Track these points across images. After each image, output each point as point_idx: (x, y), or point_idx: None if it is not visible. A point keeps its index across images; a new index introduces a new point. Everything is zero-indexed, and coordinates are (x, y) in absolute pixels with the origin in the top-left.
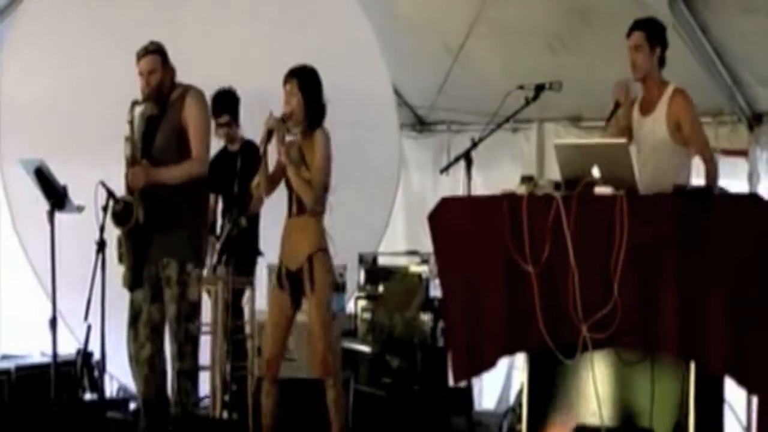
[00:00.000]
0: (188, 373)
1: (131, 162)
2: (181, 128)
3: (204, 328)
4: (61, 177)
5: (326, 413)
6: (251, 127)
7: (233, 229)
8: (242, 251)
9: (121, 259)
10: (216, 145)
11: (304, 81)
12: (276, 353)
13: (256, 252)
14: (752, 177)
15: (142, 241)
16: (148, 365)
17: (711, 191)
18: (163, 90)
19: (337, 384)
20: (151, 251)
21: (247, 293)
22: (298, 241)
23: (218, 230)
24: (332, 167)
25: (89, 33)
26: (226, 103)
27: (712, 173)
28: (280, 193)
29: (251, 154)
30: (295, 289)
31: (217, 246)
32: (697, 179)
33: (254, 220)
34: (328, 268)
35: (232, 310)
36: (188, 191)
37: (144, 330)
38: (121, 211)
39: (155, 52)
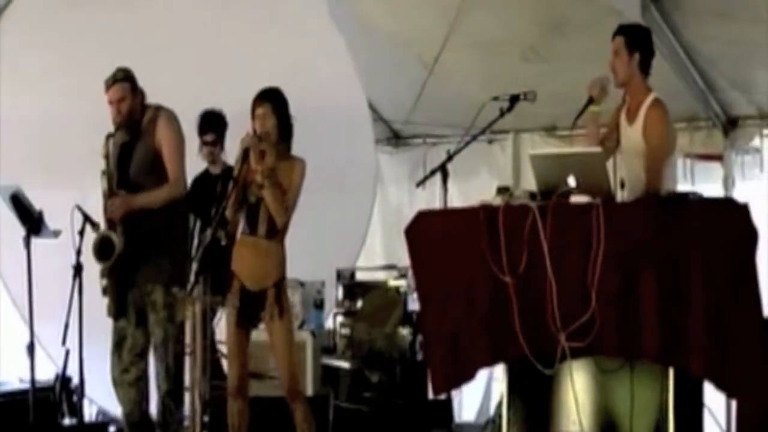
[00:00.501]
0: (173, 393)
1: (108, 194)
2: (155, 152)
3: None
4: (37, 201)
5: None
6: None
7: (211, 244)
8: (218, 271)
9: (105, 292)
10: (197, 166)
11: (277, 103)
12: (242, 371)
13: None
14: (727, 181)
15: (125, 270)
16: (134, 388)
17: (686, 197)
18: (134, 116)
19: (305, 404)
20: (134, 278)
21: (219, 314)
22: (263, 265)
23: (194, 251)
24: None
25: (64, 56)
26: (213, 122)
27: (647, 185)
28: None
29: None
30: (248, 308)
31: (194, 265)
32: (683, 185)
33: (231, 243)
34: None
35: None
36: (167, 215)
37: (128, 355)
38: (101, 246)
39: (124, 79)
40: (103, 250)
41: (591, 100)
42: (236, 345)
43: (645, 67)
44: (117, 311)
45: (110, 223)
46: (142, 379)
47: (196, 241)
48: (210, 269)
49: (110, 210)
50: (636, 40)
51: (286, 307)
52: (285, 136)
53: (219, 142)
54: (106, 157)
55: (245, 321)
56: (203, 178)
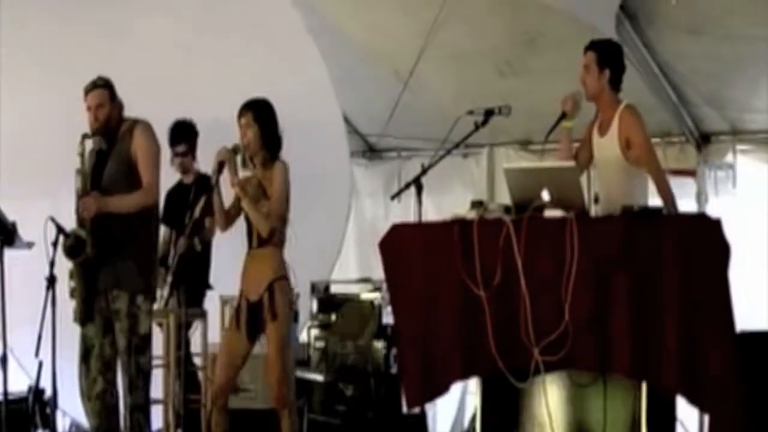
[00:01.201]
0: (141, 407)
1: (81, 194)
2: (130, 161)
3: (156, 361)
4: (10, 212)
5: None
6: (201, 157)
7: (186, 252)
8: (193, 282)
9: (72, 294)
10: (172, 177)
11: (259, 113)
12: (226, 383)
13: (206, 284)
14: (700, 197)
15: (93, 273)
16: (100, 400)
17: (659, 211)
18: (111, 124)
19: (293, 414)
20: (100, 283)
21: (195, 324)
22: (259, 272)
23: (170, 261)
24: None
25: (39, 66)
26: (184, 133)
27: (664, 190)
28: (235, 227)
29: (204, 186)
30: (253, 322)
31: (169, 277)
32: (656, 199)
33: (206, 252)
34: (288, 298)
35: (187, 341)
36: (138, 222)
37: (96, 364)
38: (72, 244)
39: (103, 86)
40: (73, 247)
41: (564, 115)
42: (226, 363)
43: (616, 83)
44: (84, 316)
45: (81, 222)
46: (108, 392)
47: (172, 252)
48: (185, 281)
49: (82, 209)
50: (607, 57)
51: (279, 310)
52: (269, 145)
53: (190, 152)
54: (81, 155)
55: (244, 341)
56: (176, 189)
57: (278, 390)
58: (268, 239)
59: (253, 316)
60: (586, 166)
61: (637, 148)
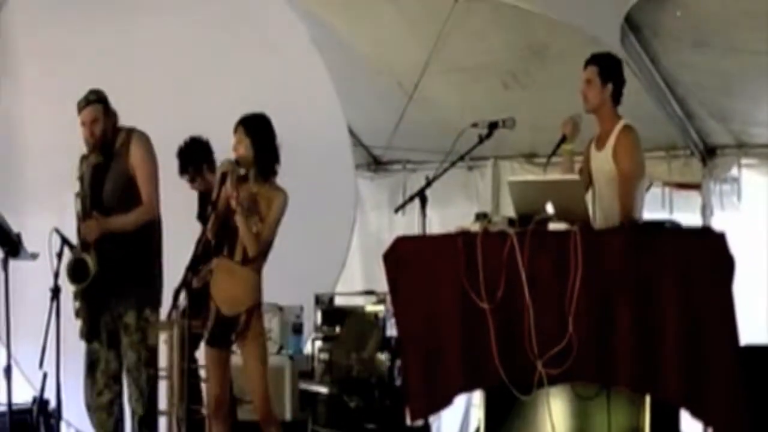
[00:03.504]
0: (148, 418)
1: (83, 216)
2: (128, 175)
3: (161, 373)
4: (15, 224)
5: None
6: None
7: (180, 288)
8: (198, 294)
9: (78, 314)
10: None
11: (251, 127)
12: (221, 394)
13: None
14: (705, 210)
15: (97, 293)
16: (106, 412)
17: (662, 225)
18: (107, 137)
19: (278, 429)
20: (107, 301)
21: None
22: (236, 290)
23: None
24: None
25: (42, 77)
26: (186, 159)
27: (621, 211)
28: None
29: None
30: (222, 331)
31: (184, 301)
32: (661, 213)
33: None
34: (262, 321)
35: (189, 353)
36: (141, 237)
37: (102, 378)
38: (76, 268)
39: (96, 101)
40: (77, 272)
41: (564, 138)
42: (214, 365)
43: (616, 96)
44: (89, 334)
45: (84, 245)
46: (115, 403)
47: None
48: (189, 288)
49: (85, 233)
50: (609, 71)
51: (256, 333)
52: (261, 160)
53: (198, 174)
54: (81, 179)
55: (219, 343)
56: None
57: (263, 406)
58: (252, 260)
59: (223, 327)
60: (589, 181)
61: (619, 175)
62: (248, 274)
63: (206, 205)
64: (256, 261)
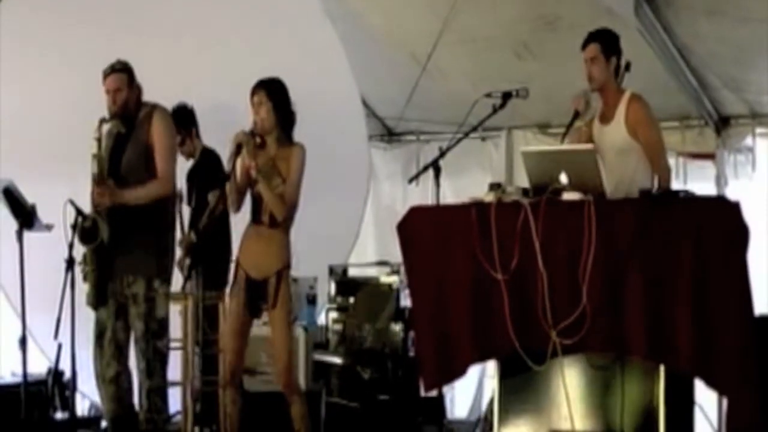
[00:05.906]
0: (158, 390)
1: (98, 180)
2: (147, 147)
3: (175, 344)
4: (30, 195)
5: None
6: (215, 140)
7: (184, 242)
8: (213, 263)
9: (85, 277)
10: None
11: (272, 90)
12: (237, 360)
13: (228, 260)
14: (719, 180)
15: (107, 258)
16: (114, 384)
17: (677, 194)
18: (129, 108)
19: (301, 397)
20: (116, 268)
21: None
22: (267, 254)
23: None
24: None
25: (57, 50)
26: (178, 121)
27: (660, 181)
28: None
29: (208, 160)
30: (253, 297)
31: (187, 260)
32: (675, 183)
33: (224, 228)
34: (289, 285)
35: (209, 324)
36: (154, 209)
37: (109, 348)
38: (88, 229)
39: (122, 70)
40: (88, 232)
41: (577, 114)
42: (234, 335)
43: (618, 70)
44: (96, 300)
45: (95, 208)
46: (122, 375)
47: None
48: (203, 262)
49: (97, 199)
50: (610, 46)
51: (284, 299)
52: (282, 123)
53: (186, 138)
54: (98, 140)
55: (249, 311)
56: (192, 171)
57: (287, 376)
58: (281, 223)
59: (253, 293)
60: None
61: (648, 148)
62: (277, 235)
63: (194, 179)
64: (283, 223)
